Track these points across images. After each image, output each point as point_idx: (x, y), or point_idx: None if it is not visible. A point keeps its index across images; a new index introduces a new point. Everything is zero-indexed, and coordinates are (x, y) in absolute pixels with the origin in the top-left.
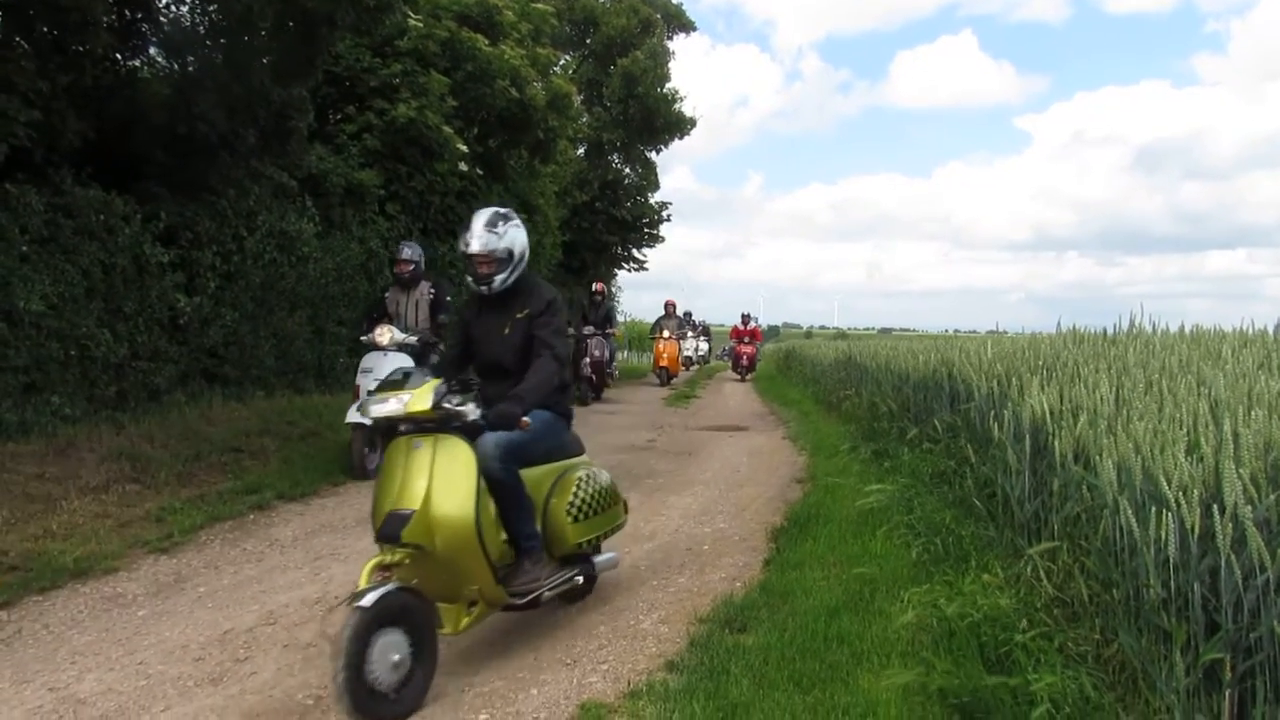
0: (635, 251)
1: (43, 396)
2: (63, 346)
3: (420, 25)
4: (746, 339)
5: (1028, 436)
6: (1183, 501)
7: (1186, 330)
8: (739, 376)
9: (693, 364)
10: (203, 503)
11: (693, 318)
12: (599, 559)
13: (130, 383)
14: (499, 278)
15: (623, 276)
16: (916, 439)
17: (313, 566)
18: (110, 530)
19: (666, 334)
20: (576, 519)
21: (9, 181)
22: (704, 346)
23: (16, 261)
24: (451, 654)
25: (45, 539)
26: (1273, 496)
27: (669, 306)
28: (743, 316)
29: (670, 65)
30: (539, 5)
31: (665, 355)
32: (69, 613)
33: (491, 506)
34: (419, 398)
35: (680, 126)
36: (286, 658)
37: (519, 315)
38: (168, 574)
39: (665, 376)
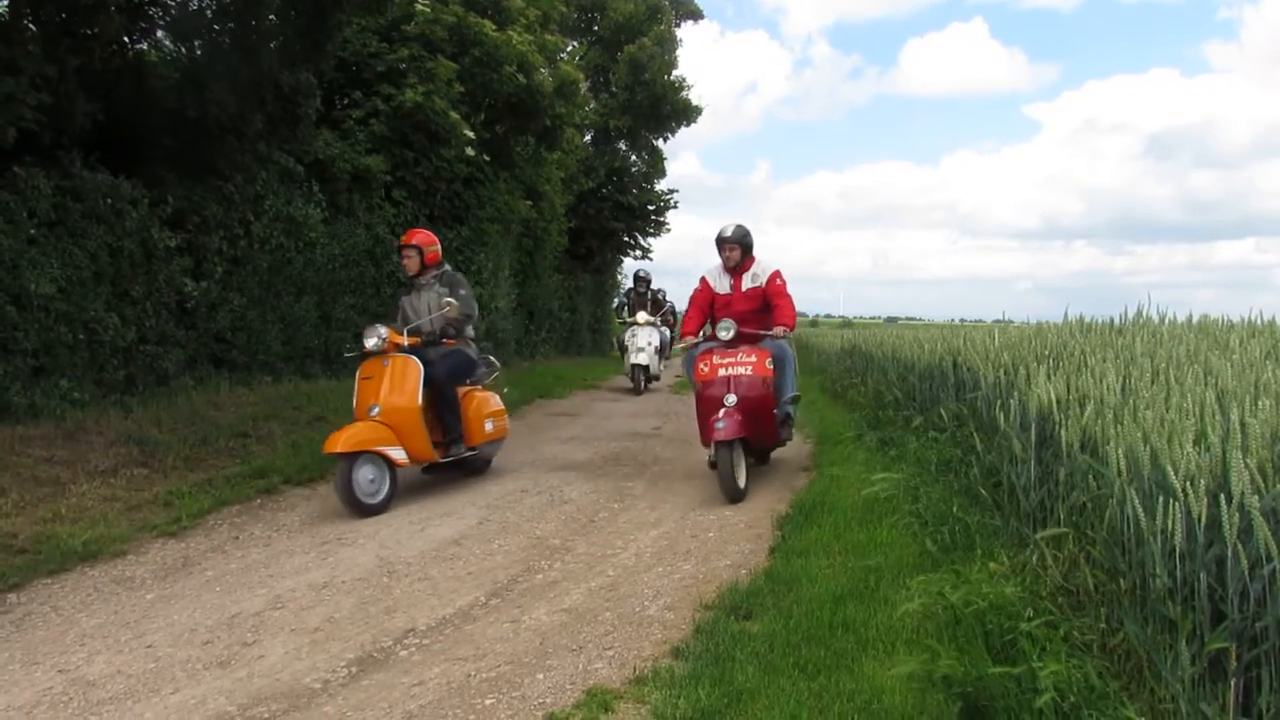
0: (641, 239)
1: (51, 380)
2: (71, 330)
3: (427, 10)
4: (737, 323)
5: (1034, 425)
6: (1189, 491)
7: (1194, 320)
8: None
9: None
10: (210, 487)
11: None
12: None
13: (138, 367)
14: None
15: (628, 264)
16: (922, 428)
17: (320, 551)
18: (119, 514)
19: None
20: None
21: (17, 165)
22: (654, 339)
23: (25, 245)
24: (457, 638)
25: (54, 522)
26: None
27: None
28: (726, 246)
29: (678, 52)
30: None
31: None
32: (78, 595)
33: None
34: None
35: (687, 114)
36: (294, 641)
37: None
38: (176, 557)
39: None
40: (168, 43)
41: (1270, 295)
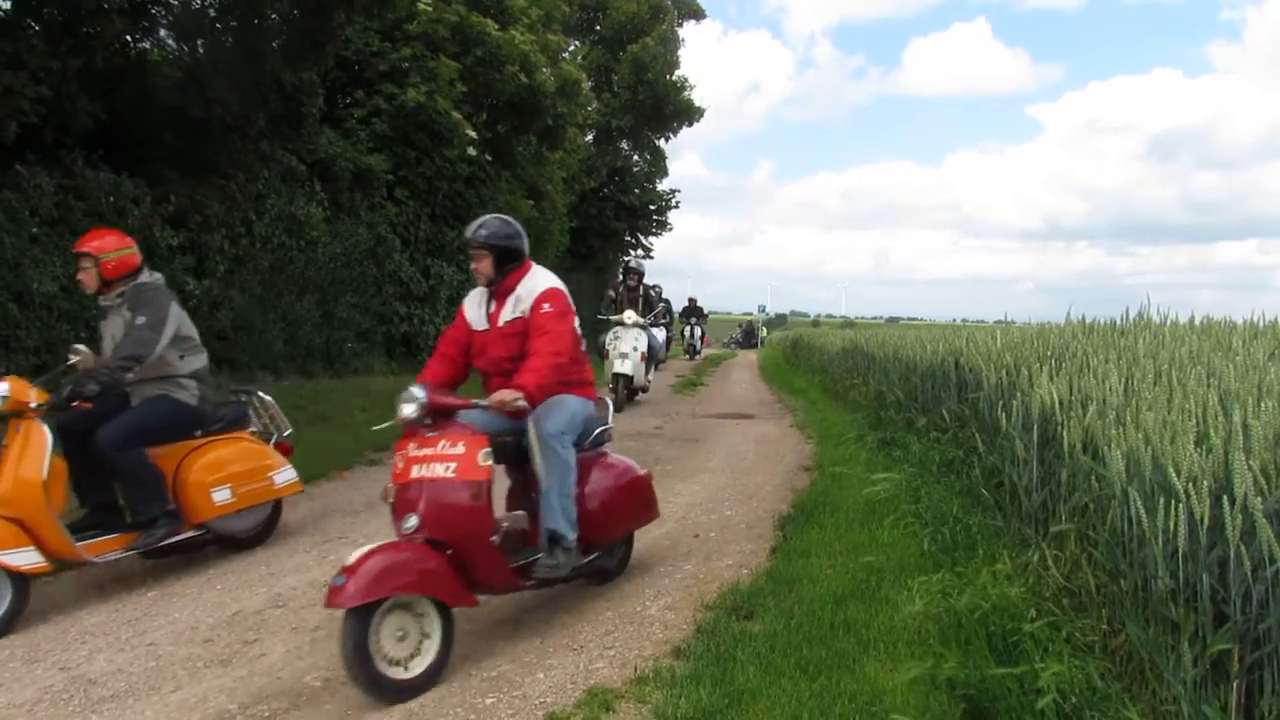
0: (643, 239)
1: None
2: (73, 328)
3: (430, 9)
4: (494, 376)
5: (1036, 426)
6: (1192, 492)
7: (1196, 321)
8: None
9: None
10: None
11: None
12: None
13: None
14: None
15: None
16: (924, 428)
17: (320, 550)
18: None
19: None
20: None
21: (20, 163)
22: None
23: (27, 243)
24: (459, 637)
25: None
26: None
27: None
28: (472, 252)
29: (680, 53)
30: None
31: None
32: (79, 593)
33: None
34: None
35: (689, 114)
36: (294, 640)
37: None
38: (176, 556)
39: None
40: (170, 42)
41: (1272, 296)
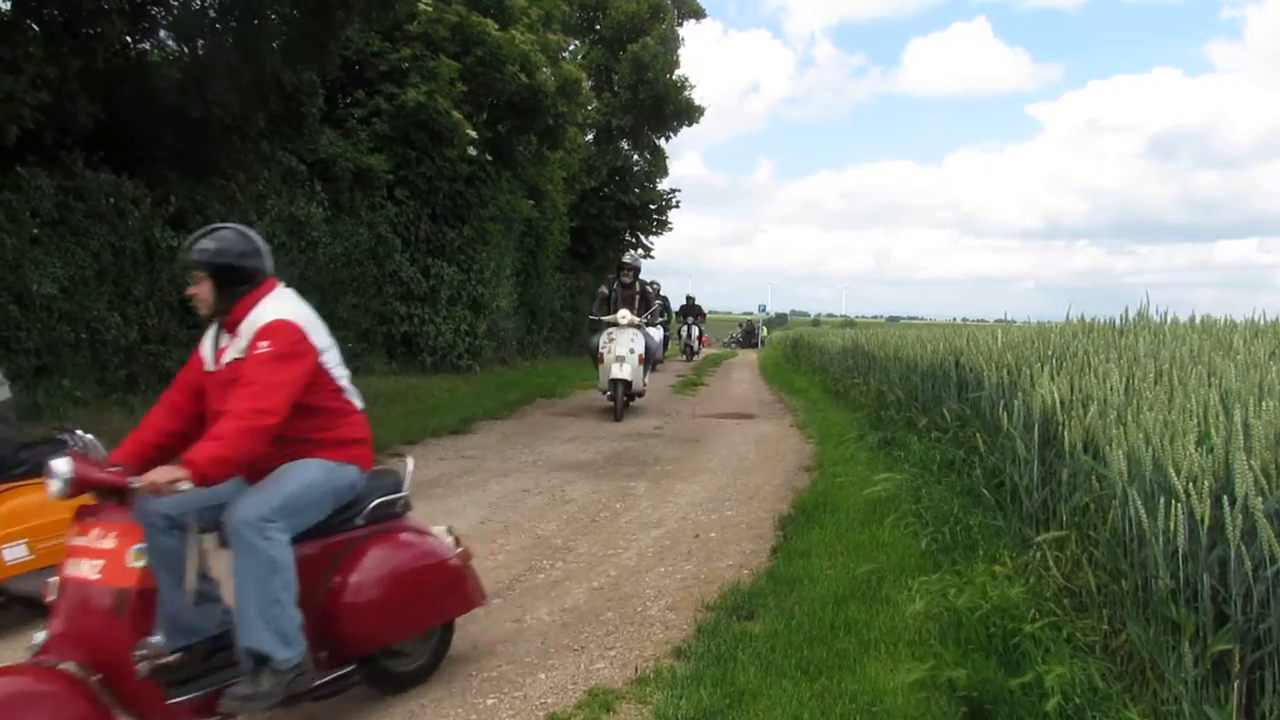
0: (643, 238)
1: (53, 379)
2: (73, 329)
3: (430, 9)
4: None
5: (1037, 426)
6: (1192, 492)
7: (1197, 320)
8: None
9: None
10: None
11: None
12: None
13: (140, 366)
14: None
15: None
16: (925, 428)
17: None
18: None
19: None
20: None
21: (20, 164)
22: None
23: (28, 244)
24: (461, 640)
25: None
26: None
27: None
28: (191, 273)
29: (680, 51)
30: None
31: None
32: None
33: None
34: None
35: (689, 114)
36: None
37: None
38: None
39: None
40: (170, 42)
41: (1273, 295)
